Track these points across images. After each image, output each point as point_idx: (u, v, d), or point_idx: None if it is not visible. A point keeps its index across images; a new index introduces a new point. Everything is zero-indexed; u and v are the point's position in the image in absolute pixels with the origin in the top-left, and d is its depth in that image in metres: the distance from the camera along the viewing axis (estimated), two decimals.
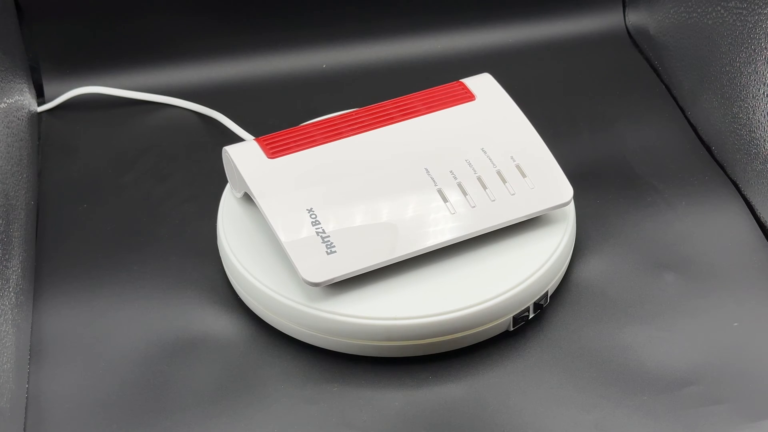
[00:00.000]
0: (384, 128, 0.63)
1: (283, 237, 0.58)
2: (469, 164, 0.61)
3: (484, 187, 0.60)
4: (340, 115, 0.64)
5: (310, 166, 0.61)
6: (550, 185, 0.61)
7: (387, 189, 0.60)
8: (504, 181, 0.60)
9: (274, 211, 0.59)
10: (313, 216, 0.58)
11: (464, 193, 0.60)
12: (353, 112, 0.64)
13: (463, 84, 0.66)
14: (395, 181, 0.60)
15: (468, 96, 0.65)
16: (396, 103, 0.64)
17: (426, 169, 0.61)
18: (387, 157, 0.61)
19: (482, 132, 0.63)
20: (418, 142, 0.62)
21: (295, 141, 0.62)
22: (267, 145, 0.62)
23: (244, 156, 0.61)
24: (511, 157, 0.61)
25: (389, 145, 0.62)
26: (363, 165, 0.61)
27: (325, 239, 0.58)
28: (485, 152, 0.61)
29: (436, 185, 0.60)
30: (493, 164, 0.61)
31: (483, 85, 0.66)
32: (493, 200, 0.60)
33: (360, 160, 0.61)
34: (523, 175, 0.61)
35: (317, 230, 0.58)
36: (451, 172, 0.61)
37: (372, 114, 0.64)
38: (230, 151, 0.62)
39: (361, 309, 0.57)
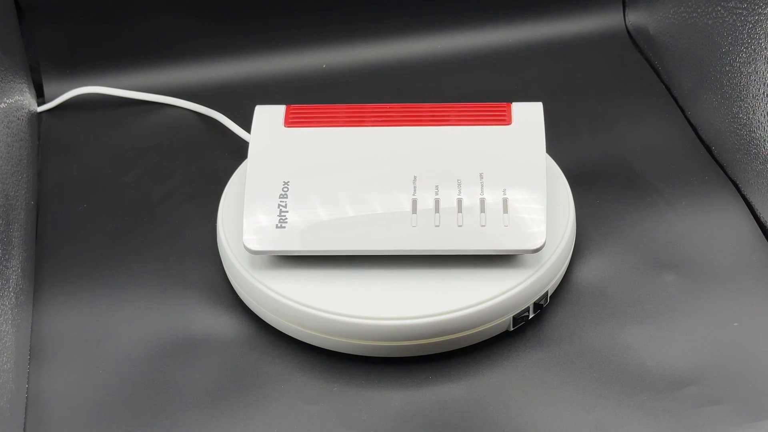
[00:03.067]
0: (404, 128, 0.62)
1: (248, 199, 0.59)
2: (458, 184, 0.59)
3: (459, 210, 0.58)
4: (374, 104, 0.64)
5: (314, 143, 0.61)
6: (524, 228, 0.58)
7: (367, 185, 0.60)
8: (482, 210, 0.58)
9: (255, 173, 0.60)
10: (285, 189, 0.59)
11: (436, 210, 0.59)
12: (387, 105, 0.64)
13: (507, 107, 0.63)
14: (379, 180, 0.60)
15: (504, 119, 0.62)
16: (432, 107, 0.63)
17: (414, 177, 0.60)
18: (387, 156, 0.61)
19: (492, 157, 0.60)
20: (426, 149, 0.61)
21: (317, 116, 0.63)
22: (291, 113, 0.63)
23: (264, 117, 0.63)
24: (503, 190, 0.59)
25: (397, 144, 0.61)
26: (360, 157, 0.61)
27: (282, 213, 0.58)
28: (481, 177, 0.59)
29: (413, 194, 0.59)
30: (481, 191, 0.59)
31: (526, 112, 0.63)
32: (460, 226, 0.58)
33: (361, 151, 0.61)
34: (504, 211, 0.58)
35: (280, 203, 0.59)
36: (436, 186, 0.59)
37: (402, 111, 0.63)
38: (257, 109, 0.64)
39: (362, 309, 0.57)
